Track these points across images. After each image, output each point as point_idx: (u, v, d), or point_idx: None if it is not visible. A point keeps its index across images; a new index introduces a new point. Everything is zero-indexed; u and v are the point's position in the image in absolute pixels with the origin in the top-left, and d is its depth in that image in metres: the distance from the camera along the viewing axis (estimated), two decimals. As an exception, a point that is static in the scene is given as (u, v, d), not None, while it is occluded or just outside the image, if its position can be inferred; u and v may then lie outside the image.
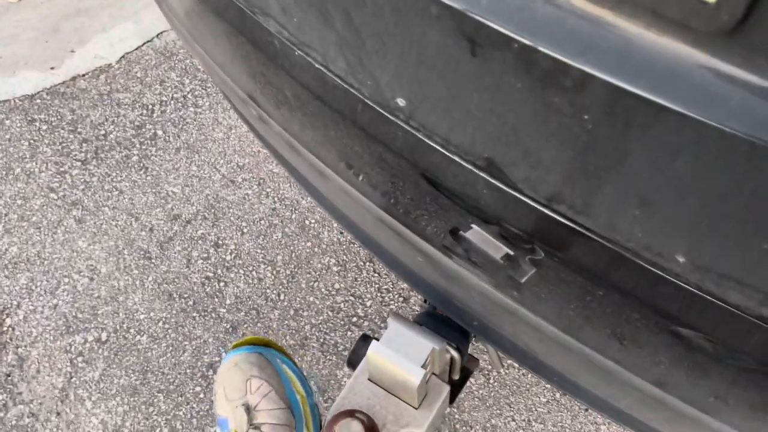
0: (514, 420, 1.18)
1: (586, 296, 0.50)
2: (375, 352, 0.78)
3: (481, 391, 1.21)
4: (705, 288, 0.41)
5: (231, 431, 0.80)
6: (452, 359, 0.88)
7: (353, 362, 0.90)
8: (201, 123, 1.61)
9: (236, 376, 0.80)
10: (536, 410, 1.19)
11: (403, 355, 0.76)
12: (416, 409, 0.82)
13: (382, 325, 1.30)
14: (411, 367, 0.75)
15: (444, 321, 0.94)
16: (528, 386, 1.21)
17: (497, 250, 0.56)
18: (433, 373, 0.85)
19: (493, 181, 0.46)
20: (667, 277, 0.42)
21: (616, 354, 0.61)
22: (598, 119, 0.36)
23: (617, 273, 0.45)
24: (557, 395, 1.19)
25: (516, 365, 1.22)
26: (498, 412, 1.19)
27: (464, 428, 1.18)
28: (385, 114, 0.51)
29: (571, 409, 1.18)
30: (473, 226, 0.51)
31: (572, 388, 0.81)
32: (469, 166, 0.47)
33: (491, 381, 1.22)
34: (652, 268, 0.42)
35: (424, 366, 0.77)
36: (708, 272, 0.40)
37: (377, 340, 0.88)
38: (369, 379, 0.84)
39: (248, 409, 0.79)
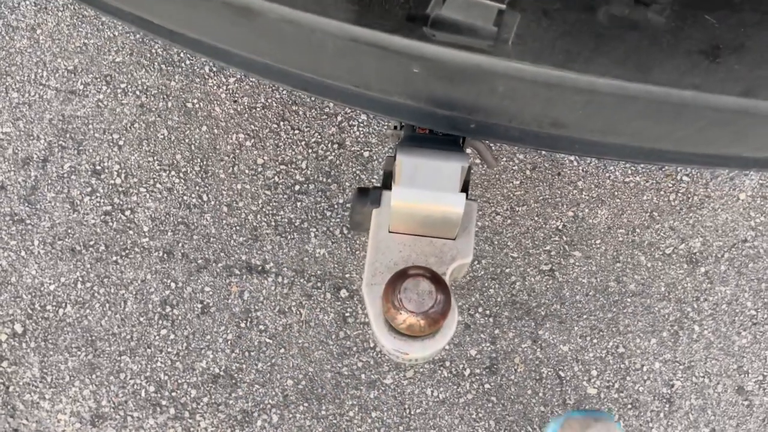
0: (497, 214, 1.15)
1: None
2: (400, 198, 0.66)
3: (456, 201, 1.15)
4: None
5: None
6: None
7: (359, 222, 0.78)
8: (-10, 36, 1.22)
9: None
10: (514, 195, 1.15)
11: (436, 188, 0.65)
12: (454, 239, 0.73)
13: (329, 181, 1.16)
14: (451, 197, 0.65)
15: (429, 139, 0.82)
16: (497, 177, 1.16)
17: (487, 11, 0.53)
18: (455, 195, 0.75)
19: None
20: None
21: (696, 78, 0.54)
22: None
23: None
24: (527, 172, 1.16)
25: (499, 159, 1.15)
26: (479, 213, 1.14)
27: (454, 242, 1.13)
28: None
29: (545, 180, 1.16)
30: None
31: (599, 148, 0.76)
32: None
33: (461, 187, 1.15)
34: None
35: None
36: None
37: (379, 188, 0.75)
38: (390, 231, 0.73)
39: None
